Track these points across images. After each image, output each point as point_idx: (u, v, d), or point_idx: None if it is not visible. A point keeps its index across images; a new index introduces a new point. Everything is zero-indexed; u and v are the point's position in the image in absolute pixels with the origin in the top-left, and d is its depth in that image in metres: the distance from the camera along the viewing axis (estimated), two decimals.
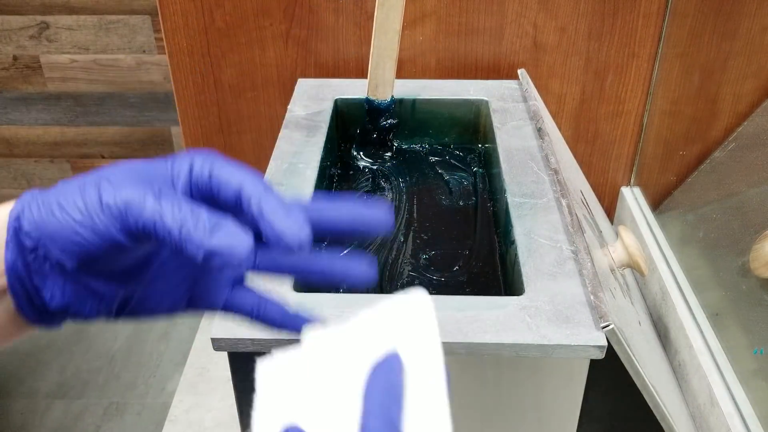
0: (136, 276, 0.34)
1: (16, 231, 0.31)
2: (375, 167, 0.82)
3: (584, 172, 0.90)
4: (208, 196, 0.32)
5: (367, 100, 0.79)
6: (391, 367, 0.31)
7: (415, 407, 0.30)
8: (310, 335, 0.36)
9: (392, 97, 0.79)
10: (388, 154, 0.83)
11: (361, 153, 0.83)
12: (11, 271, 0.31)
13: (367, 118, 0.81)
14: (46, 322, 0.35)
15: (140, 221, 0.29)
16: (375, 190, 0.79)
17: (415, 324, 0.33)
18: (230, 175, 0.32)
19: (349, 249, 0.68)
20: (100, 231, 0.30)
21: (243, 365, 0.52)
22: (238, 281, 0.39)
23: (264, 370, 0.35)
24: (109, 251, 0.31)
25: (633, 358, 0.51)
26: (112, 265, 0.32)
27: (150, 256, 0.34)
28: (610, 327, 0.49)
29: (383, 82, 0.77)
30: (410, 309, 0.34)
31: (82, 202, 0.30)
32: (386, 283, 0.65)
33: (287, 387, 0.34)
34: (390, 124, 0.81)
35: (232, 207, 0.32)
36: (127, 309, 0.35)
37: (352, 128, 0.84)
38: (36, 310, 0.33)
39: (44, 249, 0.31)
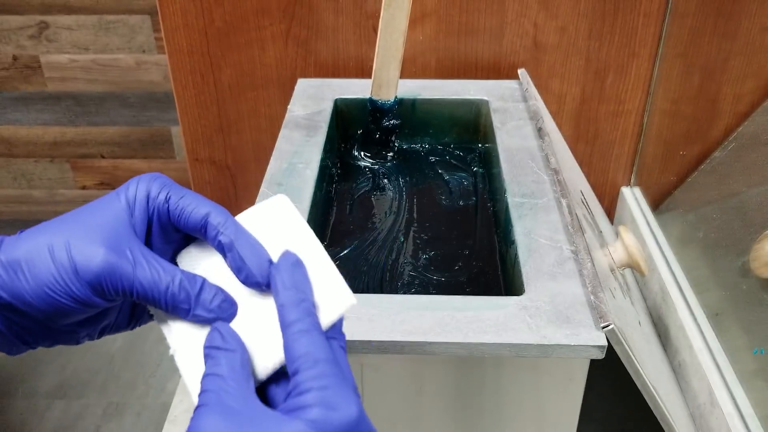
0: (103, 316, 0.37)
1: None
2: (375, 167, 0.82)
3: (584, 172, 0.90)
4: (165, 221, 0.35)
5: (371, 101, 0.79)
6: (288, 260, 0.33)
7: (315, 282, 0.33)
8: (182, 254, 0.37)
9: (396, 97, 0.79)
10: (390, 154, 0.83)
11: (363, 153, 0.83)
12: None
13: (370, 118, 0.81)
14: (23, 349, 0.36)
15: (118, 288, 0.32)
16: (375, 189, 0.79)
17: (282, 219, 0.36)
18: (196, 204, 0.34)
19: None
20: (77, 296, 0.31)
21: None
22: None
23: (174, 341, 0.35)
24: (83, 310, 0.33)
25: (633, 358, 0.51)
26: (83, 316, 0.34)
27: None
28: (610, 327, 0.49)
29: (387, 83, 0.77)
30: (272, 209, 0.37)
31: (55, 269, 0.31)
32: (386, 283, 0.65)
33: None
34: (393, 124, 0.81)
35: (196, 231, 0.34)
36: (106, 332, 0.38)
37: (352, 128, 0.84)
38: (12, 343, 0.34)
39: (16, 307, 0.32)
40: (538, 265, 0.57)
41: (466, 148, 0.85)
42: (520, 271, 0.56)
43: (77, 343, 0.37)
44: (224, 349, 0.31)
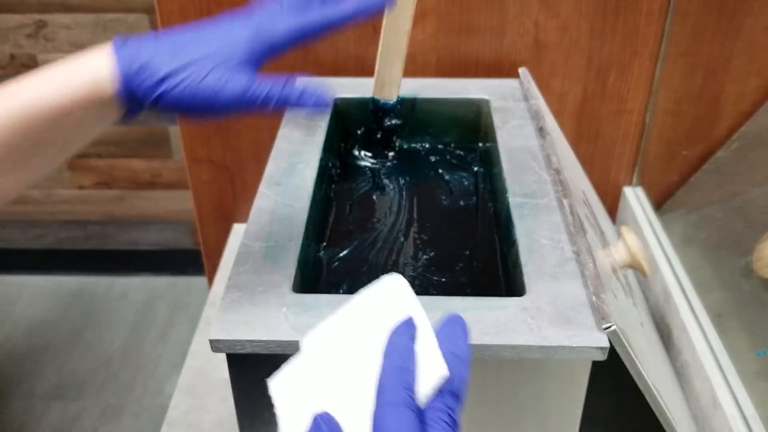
0: None
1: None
2: (376, 167, 0.82)
3: (586, 172, 0.89)
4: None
5: (373, 100, 0.78)
6: (403, 330, 0.35)
7: (420, 362, 0.34)
8: (306, 339, 0.38)
9: (399, 96, 0.78)
10: (392, 153, 0.83)
11: (364, 153, 0.83)
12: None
13: (372, 118, 0.80)
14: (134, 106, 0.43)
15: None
16: (375, 189, 0.78)
17: (397, 300, 0.38)
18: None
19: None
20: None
21: (241, 367, 0.52)
22: None
23: (277, 384, 0.37)
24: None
25: (635, 359, 0.50)
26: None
27: None
28: (612, 328, 0.49)
29: (390, 83, 0.76)
30: (389, 289, 0.38)
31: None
32: None
33: (304, 389, 0.36)
34: (395, 124, 0.80)
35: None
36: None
37: (352, 127, 0.83)
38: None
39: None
40: (539, 265, 0.56)
41: (466, 148, 0.85)
42: (521, 272, 0.56)
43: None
44: None
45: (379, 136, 0.81)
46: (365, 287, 0.39)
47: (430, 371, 0.33)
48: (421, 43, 0.90)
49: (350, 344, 0.36)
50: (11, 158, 0.41)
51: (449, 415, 0.32)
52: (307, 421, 0.34)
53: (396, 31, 0.72)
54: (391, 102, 0.78)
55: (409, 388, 0.32)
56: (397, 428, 0.30)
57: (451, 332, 0.35)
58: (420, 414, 0.32)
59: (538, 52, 0.90)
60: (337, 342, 0.37)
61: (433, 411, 0.32)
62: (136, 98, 0.42)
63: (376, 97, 0.78)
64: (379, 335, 0.35)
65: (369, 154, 0.82)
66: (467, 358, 0.34)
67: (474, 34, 0.89)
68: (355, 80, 0.86)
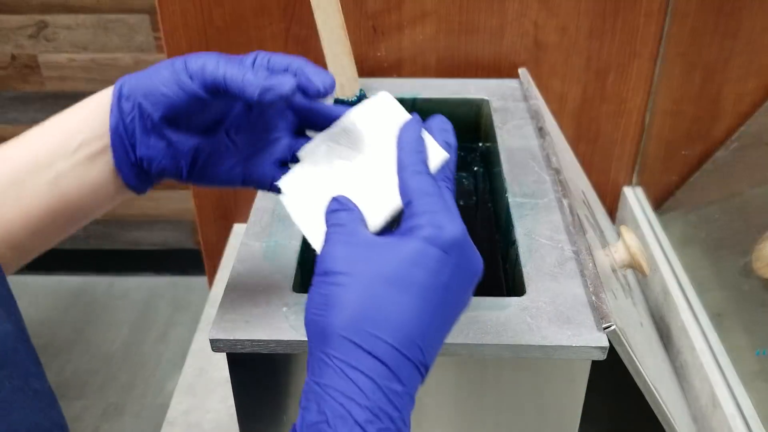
0: (205, 132, 0.44)
1: (118, 98, 0.42)
2: None
3: (585, 172, 0.89)
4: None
5: (337, 101, 0.79)
6: (413, 124, 0.41)
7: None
8: (303, 150, 0.44)
9: (361, 90, 0.79)
10: None
11: None
12: (114, 131, 0.42)
13: None
14: (137, 180, 0.44)
15: (213, 76, 0.39)
16: None
17: (389, 110, 0.44)
18: (282, 58, 0.42)
19: None
20: (183, 85, 0.40)
21: (242, 366, 0.52)
22: (283, 163, 0.46)
23: (286, 184, 0.43)
24: (190, 104, 0.41)
25: (635, 359, 0.50)
26: (190, 119, 0.42)
27: (218, 117, 0.44)
28: (612, 328, 0.49)
29: (347, 80, 0.77)
30: (379, 104, 0.44)
31: (172, 67, 0.40)
32: None
33: (312, 186, 0.43)
34: None
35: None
36: (196, 168, 0.44)
37: None
38: (130, 166, 0.43)
39: (138, 109, 0.41)
40: (539, 265, 0.56)
41: (466, 148, 0.85)
42: (521, 272, 0.56)
43: (175, 169, 0.44)
44: (343, 210, 0.39)
45: None
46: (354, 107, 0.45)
47: (434, 155, 0.41)
48: (421, 43, 0.90)
49: (353, 146, 0.42)
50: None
51: (449, 182, 0.40)
52: (319, 210, 0.40)
53: (331, 29, 0.72)
54: (355, 98, 0.79)
55: (426, 164, 0.39)
56: (422, 187, 0.37)
57: (441, 127, 0.43)
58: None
59: (538, 53, 0.90)
60: (339, 146, 0.43)
61: (438, 180, 0.39)
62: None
63: (340, 97, 0.79)
64: (381, 136, 0.42)
65: None
66: (456, 147, 0.42)
67: (474, 34, 0.89)
68: None
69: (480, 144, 0.85)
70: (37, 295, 1.93)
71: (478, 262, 0.38)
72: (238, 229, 1.00)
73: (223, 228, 1.03)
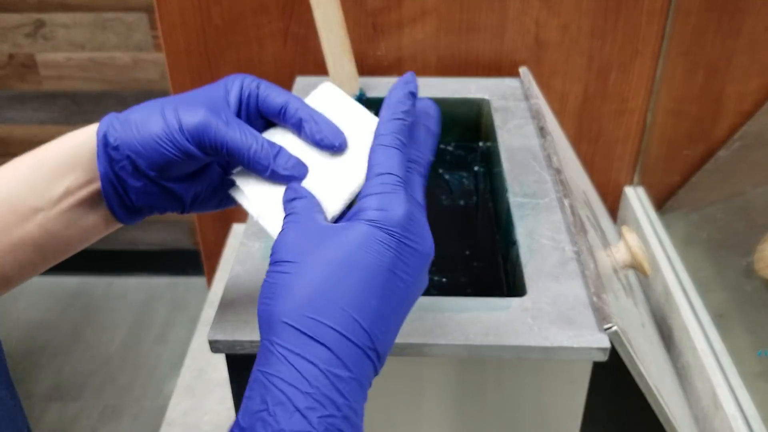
0: (199, 174, 0.44)
1: (104, 146, 0.40)
2: None
3: (587, 172, 0.89)
4: (254, 107, 0.42)
5: None
6: (402, 84, 0.40)
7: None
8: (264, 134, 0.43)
9: (360, 90, 0.79)
10: None
11: None
12: (104, 178, 0.41)
13: None
14: (132, 218, 0.44)
15: (213, 141, 0.39)
16: None
17: (337, 99, 0.44)
18: (276, 93, 0.42)
19: None
20: (180, 146, 0.39)
21: (241, 367, 0.52)
22: None
23: (239, 175, 0.42)
24: (184, 161, 0.40)
25: (636, 360, 0.50)
26: (184, 168, 0.42)
27: (210, 163, 0.44)
28: (613, 329, 0.49)
29: (347, 79, 0.77)
30: (324, 94, 0.45)
31: (164, 123, 0.39)
32: None
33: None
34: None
35: (274, 116, 0.42)
36: (195, 205, 0.45)
37: None
38: (125, 208, 0.43)
39: (129, 161, 0.40)
40: (540, 265, 0.56)
41: (466, 147, 0.84)
42: (521, 272, 0.56)
43: (171, 209, 0.44)
44: (298, 198, 0.39)
45: None
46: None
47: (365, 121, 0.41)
48: (421, 42, 0.89)
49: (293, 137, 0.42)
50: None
51: (420, 166, 0.40)
52: (276, 200, 0.40)
53: (331, 28, 0.72)
54: (355, 98, 0.78)
55: (403, 135, 0.38)
56: (377, 164, 0.37)
57: (425, 111, 0.43)
58: (407, 152, 0.39)
59: (539, 52, 0.89)
60: (293, 136, 0.42)
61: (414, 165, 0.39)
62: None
63: None
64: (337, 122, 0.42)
65: None
66: (437, 134, 0.44)
67: (474, 33, 0.89)
68: None
69: (480, 143, 0.85)
70: (34, 296, 1.92)
71: (426, 242, 0.37)
72: (237, 230, 1.00)
73: (222, 228, 1.02)
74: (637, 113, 0.92)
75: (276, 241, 0.36)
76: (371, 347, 0.34)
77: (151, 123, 0.39)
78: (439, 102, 0.83)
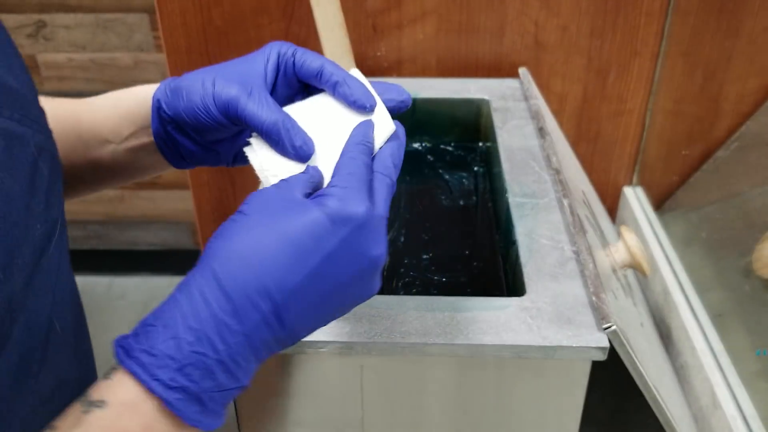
0: (238, 140, 0.48)
1: (157, 110, 0.46)
2: None
3: (586, 172, 0.89)
4: (291, 72, 0.45)
5: None
6: (366, 123, 0.43)
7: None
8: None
9: None
10: None
11: None
12: (156, 134, 0.47)
13: None
14: (185, 165, 0.49)
15: (237, 114, 0.42)
16: None
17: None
18: (312, 58, 0.44)
19: None
20: (214, 117, 0.43)
21: None
22: None
23: (255, 142, 0.44)
24: (219, 128, 0.44)
25: (635, 359, 0.50)
26: (222, 134, 0.46)
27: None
28: (612, 328, 0.49)
29: None
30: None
31: (203, 94, 0.43)
32: (386, 283, 0.64)
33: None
34: None
35: (312, 79, 0.45)
36: (237, 159, 0.49)
37: None
38: (177, 158, 0.48)
39: (176, 123, 0.46)
40: (539, 265, 0.56)
41: (466, 148, 0.85)
42: (521, 272, 0.56)
43: (217, 164, 0.49)
44: (303, 174, 0.41)
45: None
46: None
47: (382, 128, 0.43)
48: (421, 43, 0.90)
49: (315, 116, 0.44)
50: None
51: (390, 171, 0.42)
52: (279, 165, 0.42)
53: (332, 28, 0.72)
54: None
55: (366, 155, 0.41)
56: (349, 167, 0.39)
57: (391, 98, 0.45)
58: (371, 161, 0.41)
59: (538, 52, 0.90)
60: (306, 115, 0.44)
61: (379, 159, 0.42)
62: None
63: None
64: (348, 114, 0.44)
65: None
66: (402, 143, 0.44)
67: (474, 34, 0.89)
68: None
69: (480, 144, 0.85)
70: None
71: (377, 248, 0.37)
72: None
73: None
74: (636, 113, 0.93)
75: (252, 192, 0.39)
76: (274, 314, 0.35)
77: (193, 93, 0.44)
78: (439, 102, 0.84)
